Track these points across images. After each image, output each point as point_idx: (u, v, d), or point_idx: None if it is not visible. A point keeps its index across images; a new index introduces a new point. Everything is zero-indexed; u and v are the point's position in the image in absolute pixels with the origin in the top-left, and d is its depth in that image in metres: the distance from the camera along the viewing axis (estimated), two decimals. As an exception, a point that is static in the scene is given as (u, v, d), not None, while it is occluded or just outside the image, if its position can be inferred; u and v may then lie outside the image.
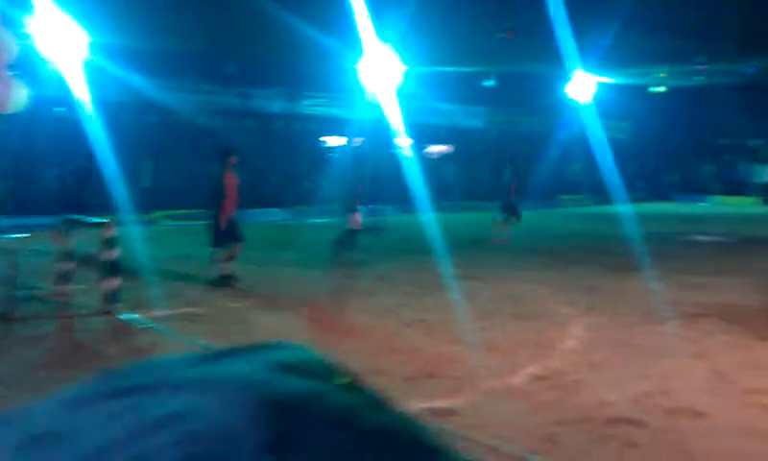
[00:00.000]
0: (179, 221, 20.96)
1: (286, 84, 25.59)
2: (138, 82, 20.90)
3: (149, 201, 21.30)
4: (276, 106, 25.88)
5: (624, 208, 22.06)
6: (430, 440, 0.58)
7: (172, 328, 8.05)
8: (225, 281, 10.74)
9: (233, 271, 10.91)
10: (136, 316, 8.59)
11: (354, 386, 0.59)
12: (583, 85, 27.62)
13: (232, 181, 10.78)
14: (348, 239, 13.46)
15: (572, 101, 28.38)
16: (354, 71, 22.71)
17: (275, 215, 22.77)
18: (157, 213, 21.32)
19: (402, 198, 21.60)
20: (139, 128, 22.62)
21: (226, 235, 10.76)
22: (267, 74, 24.65)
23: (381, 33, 19.72)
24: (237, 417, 0.49)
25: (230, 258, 10.90)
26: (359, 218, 13.41)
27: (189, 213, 21.18)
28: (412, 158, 23.24)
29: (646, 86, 30.75)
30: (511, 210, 16.87)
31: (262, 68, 24.39)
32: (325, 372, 0.59)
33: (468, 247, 16.03)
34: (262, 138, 24.71)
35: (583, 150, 31.02)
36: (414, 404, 5.63)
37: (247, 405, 0.50)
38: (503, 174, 17.61)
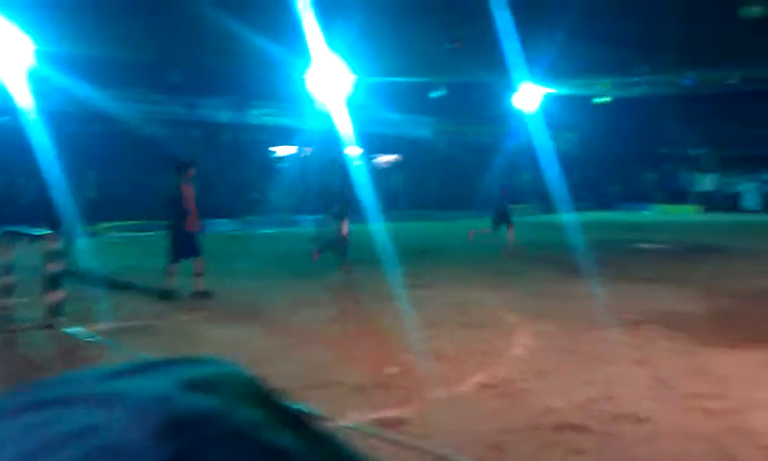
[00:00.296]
0: (125, 232, 20.67)
1: (234, 94, 25.44)
2: (84, 91, 20.59)
3: (94, 212, 20.97)
4: (224, 115, 25.71)
5: (570, 217, 22.43)
6: (347, 458, 0.60)
7: (118, 342, 7.94)
8: (205, 296, 10.55)
9: (203, 287, 10.72)
10: (81, 329, 8.45)
11: (270, 403, 0.60)
12: (529, 96, 28.04)
13: (190, 193, 10.67)
14: (338, 245, 13.56)
15: (519, 111, 28.79)
16: (303, 81, 22.70)
17: (223, 226, 22.59)
18: (103, 224, 20.98)
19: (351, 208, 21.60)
20: (84, 138, 22.25)
21: (183, 249, 10.61)
22: (214, 83, 24.48)
23: (330, 42, 19.75)
24: (141, 433, 0.51)
25: (199, 275, 10.72)
26: (346, 226, 13.53)
27: (135, 224, 20.92)
28: (361, 168, 23.29)
29: (590, 98, 31.34)
30: (504, 219, 17.15)
31: (209, 78, 24.21)
32: (242, 388, 0.60)
33: (418, 256, 16.13)
34: (210, 148, 24.55)
35: (530, 160, 31.48)
36: (364, 415, 5.65)
37: (151, 421, 0.52)
38: (499, 184, 18.08)
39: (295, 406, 0.60)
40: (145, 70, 22.80)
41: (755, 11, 15.96)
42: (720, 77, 25.83)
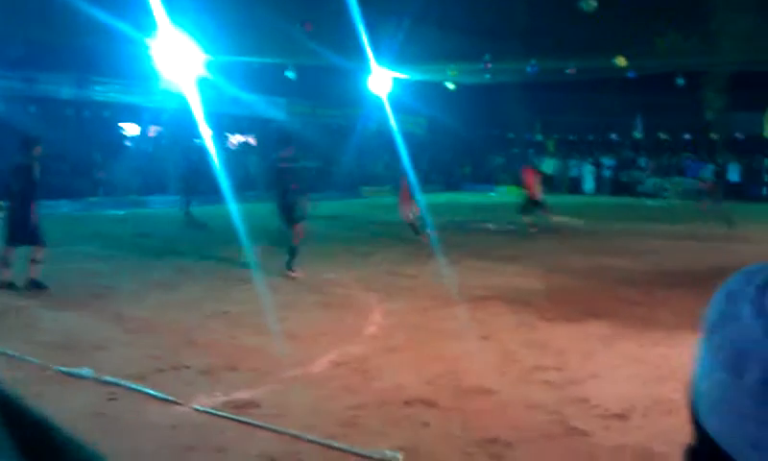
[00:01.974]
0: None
1: (76, 69, 24.19)
2: None
3: None
4: (66, 91, 24.41)
5: (421, 198, 22.85)
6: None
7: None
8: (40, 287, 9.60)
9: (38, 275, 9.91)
10: None
11: None
12: (383, 80, 28.34)
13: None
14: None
15: (374, 95, 29.03)
16: (151, 58, 21.92)
17: (64, 207, 21.45)
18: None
19: (205, 189, 21.13)
20: None
21: (24, 232, 9.79)
22: (55, 58, 23.14)
23: (177, 19, 19.18)
24: None
25: (37, 262, 9.82)
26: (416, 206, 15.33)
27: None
28: (214, 149, 22.78)
29: (442, 83, 32.04)
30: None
31: (49, 52, 22.86)
32: None
33: (273, 238, 15.97)
34: (50, 125, 23.17)
35: (384, 143, 31.87)
36: (214, 398, 5.57)
37: None
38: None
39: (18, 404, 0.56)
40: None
41: (592, 4, 16.82)
42: (559, 66, 27.05)
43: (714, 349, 0.65)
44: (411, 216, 15.49)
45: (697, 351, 0.69)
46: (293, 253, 11.21)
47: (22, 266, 9.76)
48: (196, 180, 20.36)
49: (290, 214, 11.33)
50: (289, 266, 11.11)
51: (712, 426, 0.64)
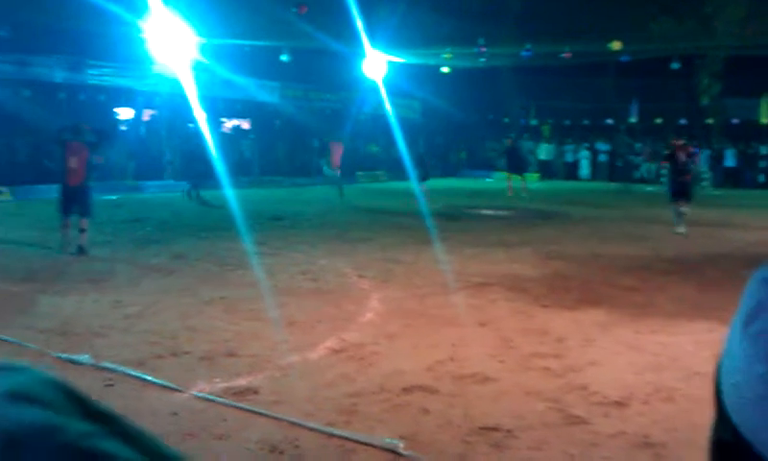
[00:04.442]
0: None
1: (69, 52, 24.02)
2: None
3: None
4: (59, 75, 24.24)
5: (416, 185, 22.86)
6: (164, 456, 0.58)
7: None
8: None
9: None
10: None
11: (88, 409, 0.57)
12: (377, 64, 28.22)
13: None
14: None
15: (368, 79, 28.91)
16: (143, 41, 21.78)
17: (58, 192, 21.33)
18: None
19: (200, 173, 21.06)
20: None
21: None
22: (47, 41, 22.96)
23: (170, 1, 19.05)
24: None
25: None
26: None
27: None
28: (209, 133, 22.68)
29: (436, 67, 31.94)
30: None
31: (41, 34, 22.68)
32: (60, 397, 0.57)
33: (269, 223, 15.97)
34: (43, 109, 23.07)
35: (379, 127, 31.78)
36: (214, 385, 5.56)
37: None
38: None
39: (108, 409, 0.57)
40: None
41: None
42: (554, 50, 26.97)
43: (752, 339, 0.62)
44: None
45: (728, 341, 0.67)
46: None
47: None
48: (200, 164, 20.41)
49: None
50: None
51: (745, 422, 0.62)
